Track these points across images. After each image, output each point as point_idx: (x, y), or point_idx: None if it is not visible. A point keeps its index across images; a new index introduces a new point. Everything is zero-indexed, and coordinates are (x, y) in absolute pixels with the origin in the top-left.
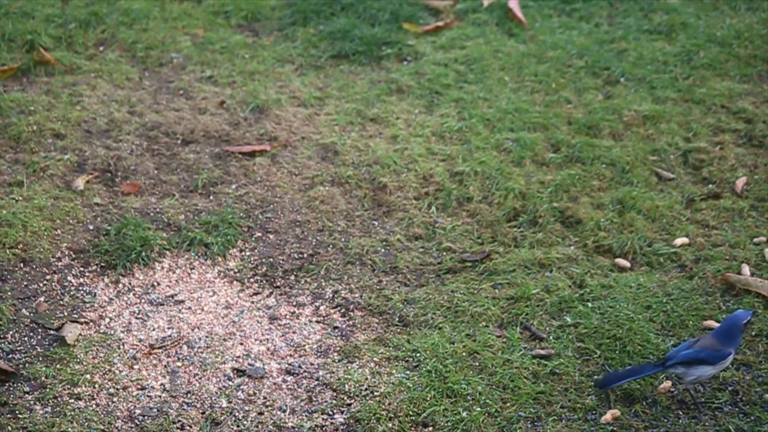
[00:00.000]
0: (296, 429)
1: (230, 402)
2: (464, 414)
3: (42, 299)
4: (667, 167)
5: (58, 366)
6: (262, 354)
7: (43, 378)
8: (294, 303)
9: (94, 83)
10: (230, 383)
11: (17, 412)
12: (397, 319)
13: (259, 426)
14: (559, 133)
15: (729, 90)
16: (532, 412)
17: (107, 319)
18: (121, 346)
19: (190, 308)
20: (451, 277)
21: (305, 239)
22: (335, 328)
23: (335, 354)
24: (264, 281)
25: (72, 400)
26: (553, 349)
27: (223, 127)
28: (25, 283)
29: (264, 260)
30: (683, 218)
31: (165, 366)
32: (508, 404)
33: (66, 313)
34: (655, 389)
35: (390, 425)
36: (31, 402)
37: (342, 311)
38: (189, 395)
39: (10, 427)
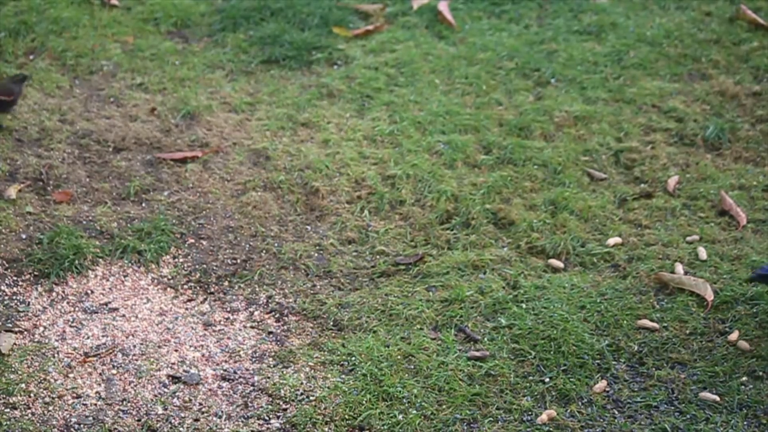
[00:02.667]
0: None
1: (166, 409)
2: (400, 417)
3: None
4: (599, 167)
5: None
6: (197, 360)
7: None
8: (228, 309)
9: (25, 92)
10: (166, 390)
11: None
12: (331, 324)
13: None
14: (491, 135)
15: (659, 89)
16: (468, 414)
17: (41, 328)
18: (56, 355)
19: (124, 316)
20: (385, 280)
21: (238, 245)
22: (270, 333)
23: (270, 359)
24: (198, 287)
25: (7, 410)
26: (488, 351)
27: (154, 134)
28: None
29: (197, 266)
30: (616, 218)
31: (100, 374)
32: (444, 406)
33: (0, 323)
34: (590, 389)
35: (326, 429)
36: None
37: (276, 316)
38: (125, 403)
39: None
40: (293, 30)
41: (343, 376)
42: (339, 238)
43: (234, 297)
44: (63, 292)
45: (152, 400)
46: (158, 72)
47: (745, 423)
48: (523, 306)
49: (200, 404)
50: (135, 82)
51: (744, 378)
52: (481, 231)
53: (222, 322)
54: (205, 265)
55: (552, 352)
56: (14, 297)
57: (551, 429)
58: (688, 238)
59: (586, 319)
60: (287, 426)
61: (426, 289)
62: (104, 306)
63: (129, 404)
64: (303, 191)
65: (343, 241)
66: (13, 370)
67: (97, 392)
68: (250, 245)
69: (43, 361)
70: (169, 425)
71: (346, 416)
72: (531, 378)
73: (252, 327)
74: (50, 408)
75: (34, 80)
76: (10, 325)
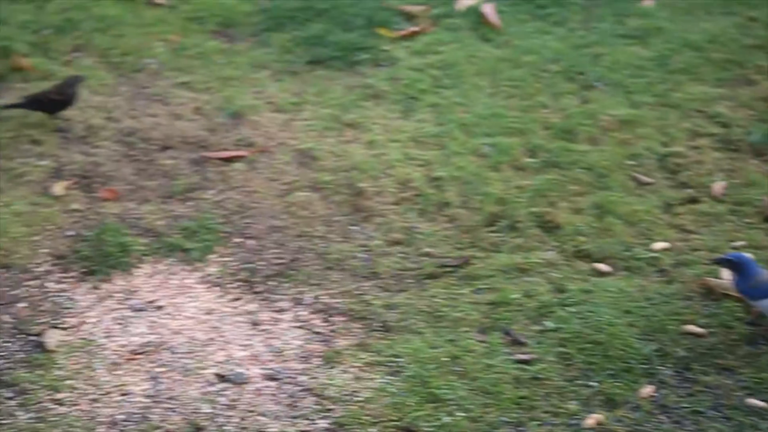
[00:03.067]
0: None
1: (213, 407)
2: (447, 419)
3: (22, 305)
4: (644, 172)
5: (39, 372)
6: (243, 359)
7: (24, 384)
8: (275, 308)
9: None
10: (212, 388)
11: None
12: (378, 325)
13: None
14: (536, 137)
15: (704, 94)
16: (514, 417)
17: (88, 325)
18: (102, 352)
19: (170, 314)
20: (432, 282)
21: (284, 245)
22: (316, 333)
23: (317, 359)
24: (244, 286)
25: (54, 406)
26: (535, 354)
27: (200, 132)
28: (5, 288)
29: (244, 265)
30: (662, 223)
31: (147, 372)
32: (490, 409)
33: (47, 319)
34: (637, 394)
35: (373, 430)
36: (13, 408)
37: (323, 316)
38: (171, 401)
39: None
40: (338, 30)
41: (390, 377)
42: (385, 239)
43: (280, 296)
44: (109, 289)
45: (199, 398)
46: (203, 71)
47: None
48: (570, 310)
49: (246, 403)
50: (180, 80)
51: None
52: (527, 234)
53: (268, 322)
54: (251, 265)
55: (598, 356)
56: (61, 293)
57: None
58: (734, 244)
59: (633, 323)
60: (334, 426)
61: (472, 291)
62: (150, 304)
63: (175, 402)
64: (349, 192)
65: (390, 243)
66: (59, 366)
67: (143, 390)
68: (296, 245)
69: (89, 358)
70: (216, 424)
71: (393, 417)
72: (577, 382)
73: (298, 327)
74: (96, 405)
75: None
76: (56, 322)
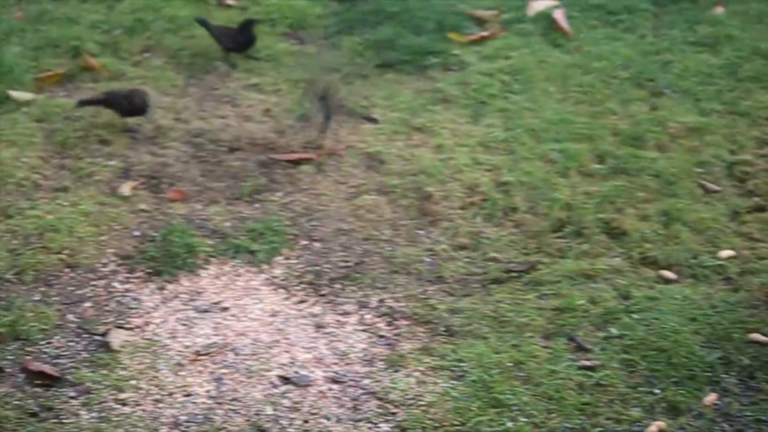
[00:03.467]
0: None
1: (276, 410)
2: (510, 424)
3: (88, 305)
4: (712, 179)
5: (103, 371)
6: (307, 362)
7: (88, 383)
8: (339, 311)
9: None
10: (276, 391)
11: (62, 417)
12: (442, 329)
13: None
14: (605, 144)
15: None
16: (577, 423)
17: (153, 325)
18: (167, 353)
19: (235, 315)
20: (497, 287)
21: (351, 248)
22: (381, 336)
23: (381, 363)
24: (309, 289)
25: (118, 406)
26: (599, 361)
27: (268, 135)
28: (71, 288)
29: (310, 268)
30: (729, 231)
31: (210, 373)
32: (553, 415)
33: (111, 319)
34: (700, 402)
35: None
36: (77, 407)
37: (387, 320)
38: (234, 402)
39: None
40: (408, 34)
41: (453, 381)
42: (451, 243)
43: (345, 300)
44: (175, 290)
45: (262, 400)
46: (273, 73)
47: None
48: (635, 316)
49: (310, 406)
50: (250, 82)
51: None
52: (594, 240)
53: (333, 325)
54: (317, 267)
55: (662, 364)
56: (126, 294)
57: None
58: None
59: (697, 331)
60: (396, 430)
61: (537, 297)
62: (216, 305)
63: (239, 404)
64: (416, 196)
65: (456, 247)
66: (123, 366)
67: (207, 391)
68: (362, 248)
69: (153, 359)
70: (278, 426)
71: (456, 422)
72: (641, 389)
73: (363, 330)
74: (160, 405)
75: (148, 78)
76: (121, 322)
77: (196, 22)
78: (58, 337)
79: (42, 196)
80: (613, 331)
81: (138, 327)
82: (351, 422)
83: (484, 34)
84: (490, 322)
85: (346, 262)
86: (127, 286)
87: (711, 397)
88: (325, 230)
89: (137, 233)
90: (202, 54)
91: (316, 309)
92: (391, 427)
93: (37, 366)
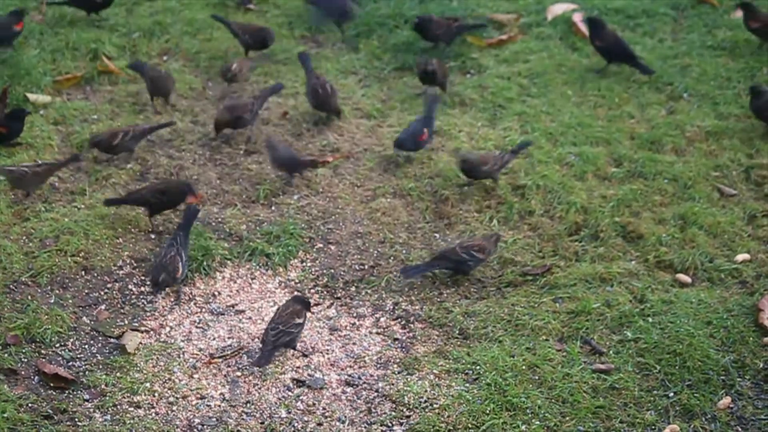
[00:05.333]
0: None
1: (289, 412)
2: (523, 427)
3: (103, 307)
4: (729, 183)
5: (118, 374)
6: (322, 365)
7: (103, 386)
8: (354, 314)
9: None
10: (290, 393)
11: (77, 419)
12: (457, 332)
13: None
14: (622, 147)
15: None
16: (591, 426)
17: (168, 328)
18: (182, 355)
19: (250, 318)
20: (512, 290)
21: (366, 251)
22: (395, 339)
23: (395, 366)
24: (325, 292)
25: (131, 409)
26: (613, 364)
27: (285, 138)
28: (86, 291)
29: (325, 271)
30: (745, 234)
31: (225, 375)
32: (567, 418)
33: (126, 322)
34: (714, 405)
35: None
36: (91, 410)
37: (402, 323)
38: (248, 405)
39: None
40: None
41: (468, 384)
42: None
43: (360, 303)
44: (190, 292)
45: (276, 403)
46: (291, 76)
47: None
48: (650, 320)
49: (324, 409)
50: (268, 85)
51: None
52: (610, 244)
53: (348, 328)
54: (332, 270)
55: (677, 367)
56: (141, 296)
57: None
58: None
59: (712, 335)
60: None
61: (553, 300)
62: (231, 308)
63: (252, 406)
64: (432, 199)
65: None
66: (138, 369)
67: (221, 393)
68: (378, 251)
69: (168, 362)
70: (292, 428)
71: (470, 425)
72: (655, 392)
73: (378, 333)
74: (174, 408)
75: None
76: (136, 325)
77: (213, 18)
78: (72, 340)
79: (58, 199)
80: (628, 334)
81: (153, 330)
82: (365, 425)
83: (503, 37)
84: (504, 325)
85: (362, 265)
86: (142, 288)
87: (725, 401)
88: (341, 233)
89: (153, 236)
90: (220, 57)
91: (331, 312)
92: (405, 430)
93: (51, 369)
